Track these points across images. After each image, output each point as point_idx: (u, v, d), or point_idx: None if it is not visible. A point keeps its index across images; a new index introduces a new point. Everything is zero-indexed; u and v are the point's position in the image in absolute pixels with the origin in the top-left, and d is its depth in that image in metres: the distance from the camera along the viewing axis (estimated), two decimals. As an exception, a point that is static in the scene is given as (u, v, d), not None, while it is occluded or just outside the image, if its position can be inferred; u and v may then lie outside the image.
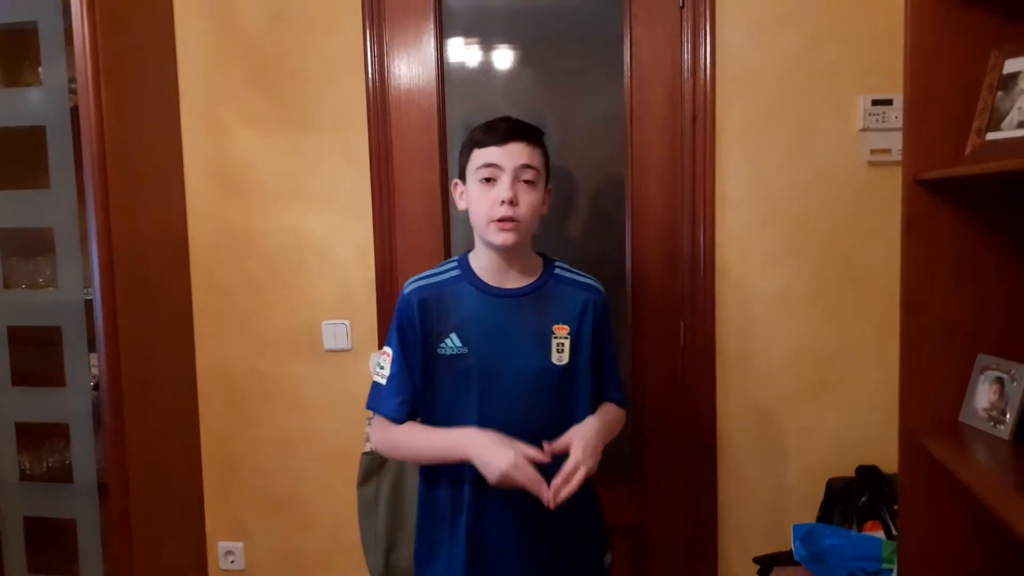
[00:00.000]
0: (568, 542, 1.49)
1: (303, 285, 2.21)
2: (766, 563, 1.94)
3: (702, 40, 1.97)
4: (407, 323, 1.46)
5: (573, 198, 2.15)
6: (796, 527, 1.85)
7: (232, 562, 2.30)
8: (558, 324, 1.46)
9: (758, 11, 1.96)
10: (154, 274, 2.11)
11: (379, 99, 2.11)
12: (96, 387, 1.99)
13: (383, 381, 1.48)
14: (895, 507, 1.73)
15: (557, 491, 1.29)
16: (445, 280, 1.48)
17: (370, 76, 2.11)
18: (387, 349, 1.49)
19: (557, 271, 1.52)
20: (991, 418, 1.36)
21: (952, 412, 1.43)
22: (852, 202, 1.97)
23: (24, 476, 2.08)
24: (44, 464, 2.13)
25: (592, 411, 1.48)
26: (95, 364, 1.98)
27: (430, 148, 2.12)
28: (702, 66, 1.98)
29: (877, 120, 1.93)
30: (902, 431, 1.45)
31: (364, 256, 2.16)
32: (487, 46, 2.14)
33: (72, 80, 1.91)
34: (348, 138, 2.14)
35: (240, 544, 2.30)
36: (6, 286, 2.03)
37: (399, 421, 1.47)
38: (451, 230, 2.16)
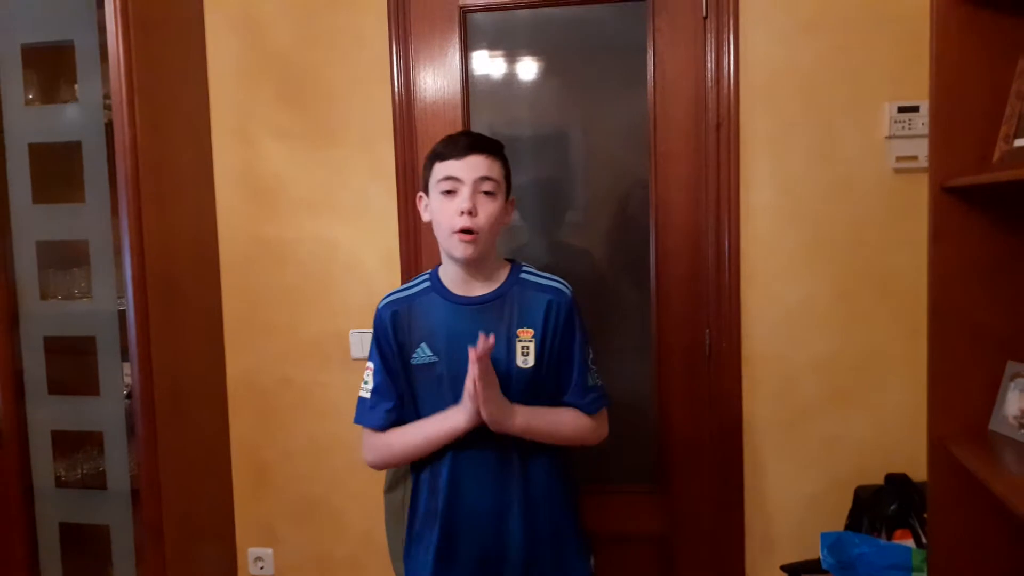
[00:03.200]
0: (542, 532, 1.53)
1: (331, 295, 2.24)
2: (794, 572, 1.93)
3: (726, 49, 1.98)
4: (382, 337, 1.54)
5: (597, 207, 2.16)
6: (824, 535, 1.84)
7: (262, 568, 2.33)
8: (522, 327, 1.49)
9: (782, 19, 1.97)
10: (185, 285, 2.15)
11: (405, 112, 2.14)
12: (129, 396, 2.03)
13: (367, 395, 1.55)
14: (925, 515, 1.72)
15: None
16: (416, 293, 1.55)
17: (396, 89, 2.14)
18: (369, 364, 1.56)
19: (523, 275, 1.55)
20: (1022, 425, 1.35)
21: (982, 420, 1.42)
22: (878, 209, 1.96)
23: (59, 483, 2.11)
24: (79, 471, 2.17)
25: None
26: (128, 373, 2.02)
27: (455, 159, 2.14)
28: (726, 75, 1.99)
29: (903, 127, 1.93)
30: (931, 439, 1.45)
31: (390, 265, 2.19)
32: (511, 57, 2.16)
33: (107, 96, 1.96)
34: (374, 150, 2.17)
35: (270, 550, 2.32)
36: (43, 297, 2.07)
37: (385, 428, 1.54)
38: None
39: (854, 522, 1.93)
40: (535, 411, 1.49)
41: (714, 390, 2.06)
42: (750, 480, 2.05)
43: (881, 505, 1.88)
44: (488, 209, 1.45)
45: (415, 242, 2.18)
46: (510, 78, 2.17)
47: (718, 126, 2.00)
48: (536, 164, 2.17)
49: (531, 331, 1.50)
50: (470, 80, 2.15)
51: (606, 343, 2.11)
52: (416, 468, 1.57)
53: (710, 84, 2.01)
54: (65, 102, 2.06)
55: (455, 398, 1.47)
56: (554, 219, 2.19)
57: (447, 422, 1.46)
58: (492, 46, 2.15)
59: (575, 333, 1.54)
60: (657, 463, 2.12)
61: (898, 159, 1.94)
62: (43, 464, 2.10)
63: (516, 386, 1.48)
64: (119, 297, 2.00)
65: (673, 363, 2.09)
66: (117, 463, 2.05)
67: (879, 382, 1.99)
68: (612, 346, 2.13)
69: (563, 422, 1.53)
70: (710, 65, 2.00)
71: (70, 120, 2.01)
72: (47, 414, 2.09)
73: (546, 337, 1.50)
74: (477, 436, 1.46)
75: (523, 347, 1.49)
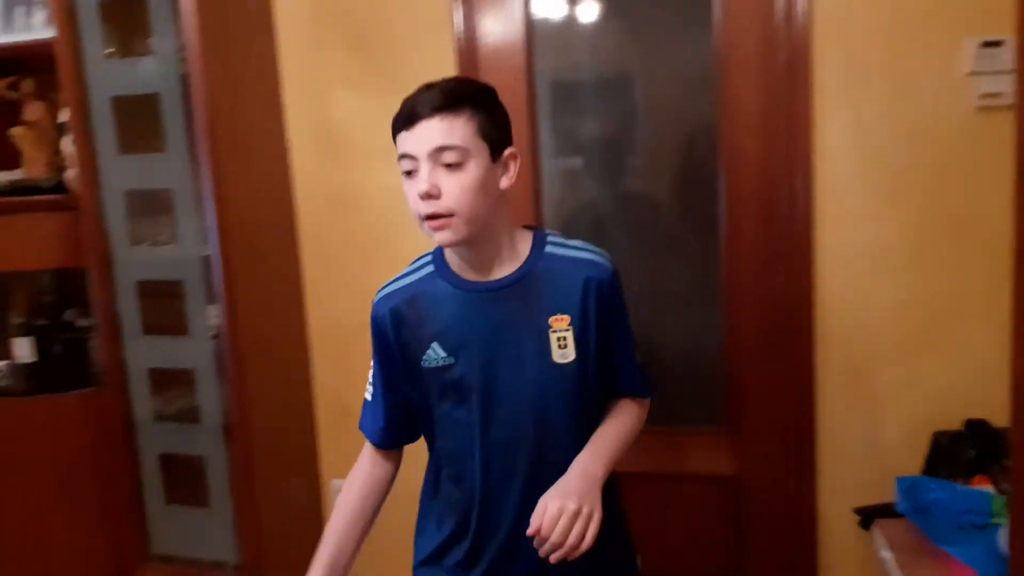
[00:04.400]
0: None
1: (402, 242, 2.26)
2: (867, 515, 1.92)
3: (797, -16, 1.87)
4: (382, 340, 1.29)
5: (661, 151, 2.11)
6: (899, 480, 1.82)
7: (344, 498, 2.46)
8: (555, 315, 1.23)
9: (859, -51, 1.84)
10: (264, 232, 2.23)
11: (468, 58, 2.12)
12: (216, 336, 2.14)
13: (369, 397, 1.36)
14: (1005, 461, 1.67)
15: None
16: (418, 280, 1.29)
17: (459, 37, 2.11)
18: (373, 362, 1.35)
19: (549, 248, 1.26)
20: (1112, 376, 1.29)
21: (1069, 366, 1.36)
22: (959, 150, 1.85)
23: (158, 417, 2.25)
24: (175, 406, 2.30)
25: (605, 409, 1.32)
26: (214, 315, 2.12)
27: (519, 105, 2.10)
28: (797, 11, 1.88)
29: (986, 63, 1.80)
30: (1015, 382, 1.39)
31: (459, 210, 2.20)
32: (573, -1, 2.10)
33: (180, 49, 2.00)
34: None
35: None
36: (133, 244, 2.18)
37: (379, 446, 1.36)
38: (541, 185, 2.17)
39: (931, 468, 1.89)
40: (603, 450, 1.24)
41: (786, 334, 2.02)
42: (823, 423, 2.03)
43: (959, 451, 1.83)
44: (455, 185, 1.14)
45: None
46: (571, 21, 2.11)
47: (789, 66, 1.90)
48: (600, 109, 2.13)
49: (567, 318, 1.22)
50: (533, 24, 2.10)
51: (673, 288, 2.09)
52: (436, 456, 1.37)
53: (780, 21, 1.90)
54: (141, 55, 2.11)
55: (481, 406, 1.24)
56: (617, 165, 2.15)
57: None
58: (555, -14, 2.09)
59: (619, 311, 1.30)
60: (728, 405, 2.11)
61: (981, 96, 1.81)
62: (142, 399, 2.24)
63: (555, 388, 1.23)
64: (203, 243, 2.09)
65: (743, 307, 2.05)
66: (209, 399, 2.17)
67: (958, 328, 1.91)
68: (678, 290, 2.11)
69: (629, 426, 1.32)
70: (780, 2, 1.89)
71: (147, 73, 2.07)
72: (143, 353, 2.21)
73: (587, 322, 1.23)
74: (505, 438, 1.25)
75: (559, 339, 1.22)
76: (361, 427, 1.38)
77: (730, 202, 2.02)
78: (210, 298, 2.11)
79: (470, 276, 1.25)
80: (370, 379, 1.36)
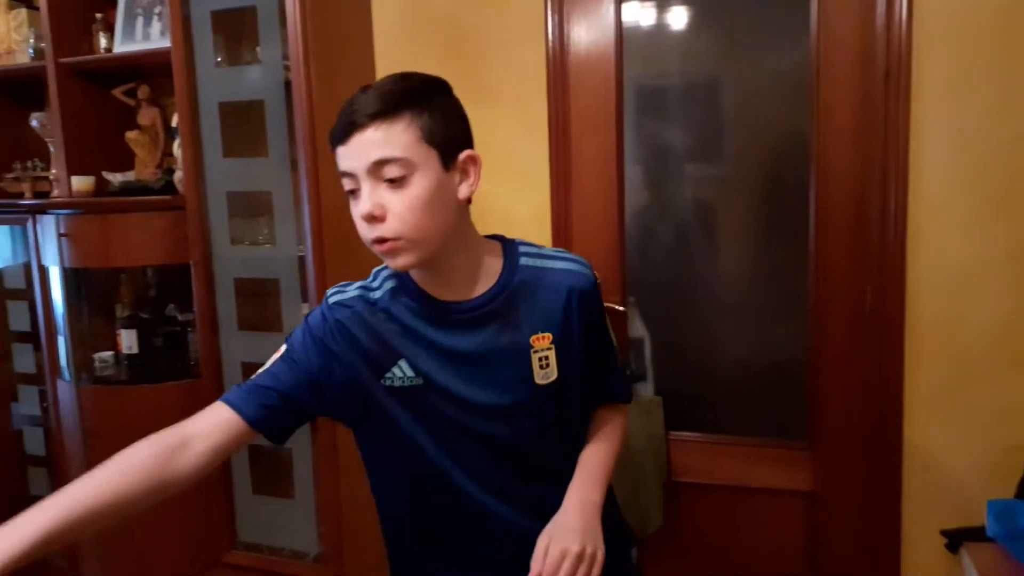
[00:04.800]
0: None
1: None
2: (955, 537, 1.87)
3: (899, -9, 1.85)
4: (318, 346, 1.13)
5: (748, 160, 2.11)
6: (991, 503, 1.77)
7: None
8: (536, 334, 1.13)
9: (964, -46, 1.81)
10: (357, 236, 2.29)
11: (559, 66, 2.16)
12: (307, 334, 2.22)
13: (259, 381, 1.14)
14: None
15: None
16: (382, 295, 1.17)
17: (550, 44, 2.16)
18: (281, 348, 1.18)
19: (524, 260, 1.16)
20: None
21: None
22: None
23: (248, 410, 2.36)
24: (265, 400, 2.42)
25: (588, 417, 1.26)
26: (306, 313, 2.21)
27: (607, 113, 2.15)
28: (897, 19, 1.85)
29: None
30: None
31: (542, 221, 2.24)
32: (664, 5, 2.13)
33: (285, 58, 2.10)
34: (528, 106, 2.21)
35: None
36: (232, 243, 2.28)
37: (251, 420, 1.10)
38: (625, 194, 2.19)
39: (1024, 492, 1.83)
40: (598, 472, 1.17)
41: (874, 350, 1.98)
42: (910, 442, 1.98)
43: (1056, 476, 1.78)
44: (399, 203, 1.01)
45: (566, 196, 2.21)
46: (662, 27, 2.14)
47: (887, 75, 1.88)
48: (688, 116, 2.14)
49: (548, 336, 1.13)
50: (623, 31, 2.13)
51: (758, 300, 2.08)
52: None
53: (879, 29, 1.88)
54: (248, 63, 2.23)
55: (452, 430, 1.13)
56: (704, 173, 2.16)
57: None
58: (645, -6, 2.12)
59: (603, 321, 1.23)
60: (811, 419, 2.09)
61: (1094, 105, 1.76)
62: (235, 391, 2.34)
63: (538, 407, 1.14)
64: (299, 244, 2.18)
65: (830, 321, 2.03)
66: (297, 395, 2.26)
67: (1060, 349, 1.86)
68: (764, 303, 2.10)
69: (615, 444, 1.24)
70: (880, 8, 1.87)
71: (253, 80, 2.18)
72: (237, 347, 2.30)
73: (569, 337, 1.15)
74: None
75: (541, 359, 1.13)
76: (224, 398, 1.12)
77: (820, 214, 2.01)
78: (304, 297, 2.20)
79: (439, 295, 1.13)
80: (268, 367, 1.15)
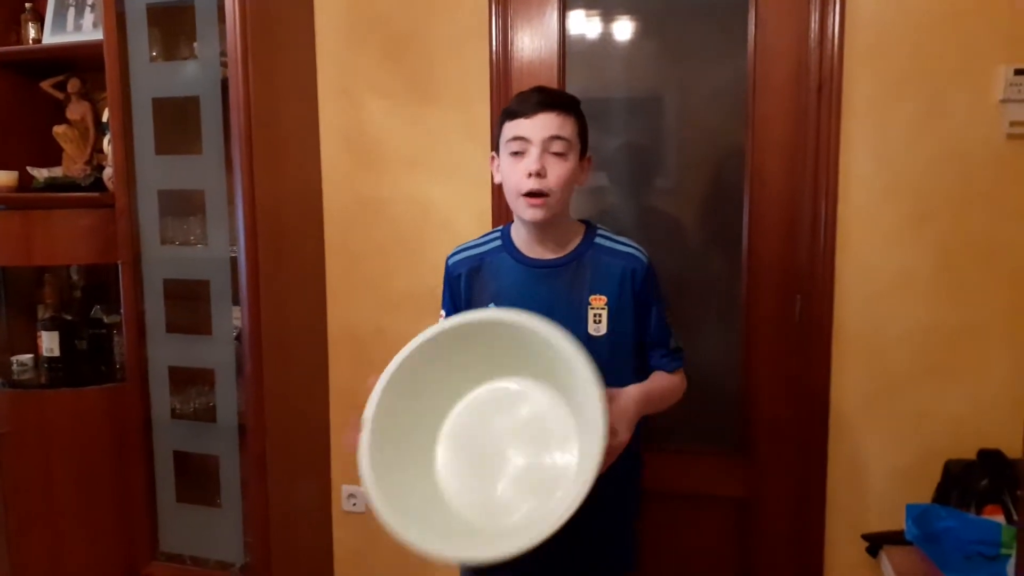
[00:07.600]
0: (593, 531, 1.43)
1: (426, 251, 2.32)
2: (875, 541, 1.92)
3: (831, 7, 1.92)
4: (453, 290, 1.55)
5: (688, 172, 2.15)
6: (910, 507, 1.82)
7: (354, 504, 2.47)
8: (595, 295, 1.46)
9: (892, -24, 1.89)
10: (292, 236, 2.27)
11: (502, 72, 2.18)
12: (238, 337, 2.17)
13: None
14: (1018, 492, 1.68)
15: None
16: (487, 251, 1.54)
17: (494, 50, 2.18)
18: (442, 312, 1.58)
19: (598, 240, 1.50)
20: None
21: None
22: (987, 177, 1.88)
23: (174, 414, 2.27)
24: (192, 405, 2.33)
25: (639, 380, 1.46)
26: (237, 316, 2.16)
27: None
28: (830, 34, 1.93)
29: (1018, 91, 1.83)
30: (1029, 413, 1.41)
31: (482, 224, 2.24)
32: (608, 18, 2.16)
33: (222, 54, 2.07)
34: (471, 110, 2.22)
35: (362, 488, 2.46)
36: (163, 243, 2.22)
37: None
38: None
39: (942, 496, 1.89)
40: (644, 393, 1.40)
41: (803, 358, 2.04)
42: (835, 449, 2.03)
43: (972, 480, 1.83)
44: (558, 170, 1.39)
45: (507, 203, 2.21)
46: (606, 39, 2.17)
47: (820, 88, 1.95)
48: (628, 127, 2.18)
49: (604, 299, 1.46)
50: (567, 41, 2.16)
51: (692, 309, 2.12)
52: None
53: (813, 44, 1.95)
54: (184, 59, 2.18)
55: None
56: (644, 183, 2.19)
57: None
58: (589, 5, 2.15)
59: (652, 299, 1.50)
60: (741, 428, 2.13)
61: (1012, 124, 1.85)
62: (161, 397, 2.26)
63: (588, 353, 1.36)
64: (231, 245, 2.13)
65: (762, 330, 2.08)
66: (226, 399, 2.20)
67: (977, 358, 1.93)
68: (698, 312, 2.13)
69: (667, 388, 1.50)
70: (814, 24, 1.94)
71: (189, 76, 2.13)
72: (165, 351, 2.24)
73: (621, 305, 1.46)
74: None
75: (595, 315, 1.46)
76: None
77: (753, 223, 2.06)
78: (235, 299, 2.15)
79: (530, 253, 1.49)
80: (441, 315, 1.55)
